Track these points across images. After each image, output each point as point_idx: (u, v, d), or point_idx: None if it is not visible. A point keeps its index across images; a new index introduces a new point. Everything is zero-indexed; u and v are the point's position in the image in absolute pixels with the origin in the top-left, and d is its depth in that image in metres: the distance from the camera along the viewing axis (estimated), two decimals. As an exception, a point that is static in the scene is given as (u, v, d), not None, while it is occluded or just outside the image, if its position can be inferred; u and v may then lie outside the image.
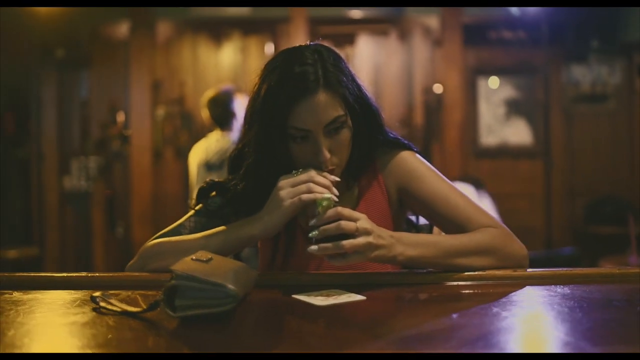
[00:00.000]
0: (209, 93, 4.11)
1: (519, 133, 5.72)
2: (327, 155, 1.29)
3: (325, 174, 1.27)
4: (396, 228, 1.47)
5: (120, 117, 5.66)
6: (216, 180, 1.46)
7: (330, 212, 1.17)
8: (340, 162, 1.35)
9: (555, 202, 5.44)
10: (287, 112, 1.28)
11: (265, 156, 1.34)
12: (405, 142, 1.47)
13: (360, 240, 1.16)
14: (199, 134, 4.94)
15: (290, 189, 1.23)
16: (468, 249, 1.28)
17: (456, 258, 1.27)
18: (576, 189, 5.72)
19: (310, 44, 1.37)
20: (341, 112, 1.30)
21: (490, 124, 5.65)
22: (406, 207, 1.47)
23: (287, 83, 1.28)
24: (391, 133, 1.46)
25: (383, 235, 1.20)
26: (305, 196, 1.21)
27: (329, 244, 1.15)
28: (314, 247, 1.16)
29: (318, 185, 1.23)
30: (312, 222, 1.17)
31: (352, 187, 1.46)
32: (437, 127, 5.56)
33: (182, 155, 5.10)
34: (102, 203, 5.65)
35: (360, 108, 1.36)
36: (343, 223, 1.15)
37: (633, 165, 5.65)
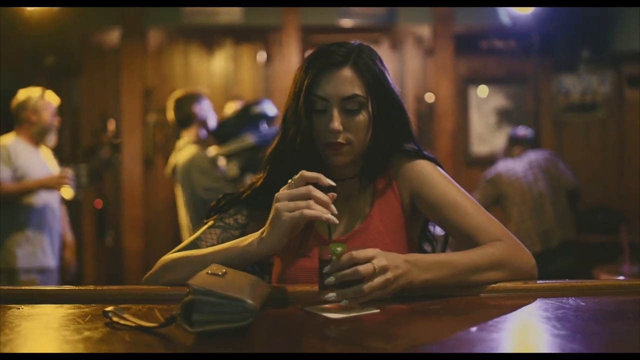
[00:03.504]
0: (175, 94, 4.00)
1: (509, 142, 5.74)
2: (338, 125, 1.35)
3: (321, 193, 1.21)
4: (410, 231, 1.48)
5: (111, 125, 5.63)
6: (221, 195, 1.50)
7: (345, 258, 1.13)
8: (353, 142, 1.38)
9: (546, 210, 5.44)
10: (312, 80, 1.37)
11: (290, 137, 1.39)
12: (427, 154, 1.48)
13: (379, 279, 1.13)
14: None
15: (288, 202, 1.20)
16: (481, 266, 1.28)
17: (470, 276, 1.27)
18: (566, 197, 5.74)
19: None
20: (361, 93, 1.37)
21: (481, 133, 5.67)
22: (419, 212, 1.47)
23: (320, 57, 1.39)
24: (417, 145, 1.48)
25: (399, 264, 1.17)
26: (307, 212, 1.18)
27: (348, 290, 1.12)
28: (332, 295, 1.12)
29: (318, 201, 1.19)
30: (327, 268, 1.13)
31: (367, 188, 1.48)
32: (429, 136, 5.57)
33: (173, 163, 5.07)
34: (93, 211, 5.60)
35: (387, 104, 1.41)
36: (360, 268, 1.11)
37: (623, 174, 5.69)
